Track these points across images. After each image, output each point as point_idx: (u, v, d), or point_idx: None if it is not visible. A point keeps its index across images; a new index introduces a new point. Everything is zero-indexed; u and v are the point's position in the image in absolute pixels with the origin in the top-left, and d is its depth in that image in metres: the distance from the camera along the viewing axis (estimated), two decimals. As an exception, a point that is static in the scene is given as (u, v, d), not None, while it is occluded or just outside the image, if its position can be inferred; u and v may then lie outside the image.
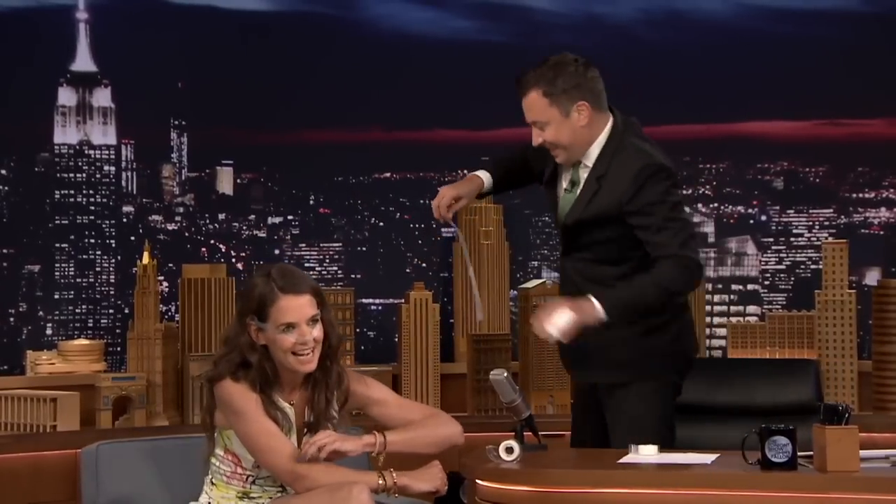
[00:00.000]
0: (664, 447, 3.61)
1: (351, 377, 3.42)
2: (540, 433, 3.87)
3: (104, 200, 5.96)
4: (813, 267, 6.13)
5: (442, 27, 6.20)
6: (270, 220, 6.18)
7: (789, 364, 4.80)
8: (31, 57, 5.75)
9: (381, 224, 6.23)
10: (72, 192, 5.92)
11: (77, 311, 5.89)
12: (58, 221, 5.90)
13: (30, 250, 5.85)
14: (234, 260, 6.09)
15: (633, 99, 6.17)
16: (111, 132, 5.98)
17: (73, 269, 5.90)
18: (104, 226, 5.96)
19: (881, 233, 6.17)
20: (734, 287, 6.26)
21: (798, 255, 6.22)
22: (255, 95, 5.93)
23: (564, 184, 3.90)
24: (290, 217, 6.19)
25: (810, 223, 6.21)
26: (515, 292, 6.10)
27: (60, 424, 5.31)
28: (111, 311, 5.92)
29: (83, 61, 5.92)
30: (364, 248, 6.15)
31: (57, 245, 5.89)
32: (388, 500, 3.31)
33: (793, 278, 6.22)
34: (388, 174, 6.23)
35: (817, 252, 6.04)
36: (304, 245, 6.15)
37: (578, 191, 3.84)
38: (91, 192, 5.94)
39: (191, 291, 5.59)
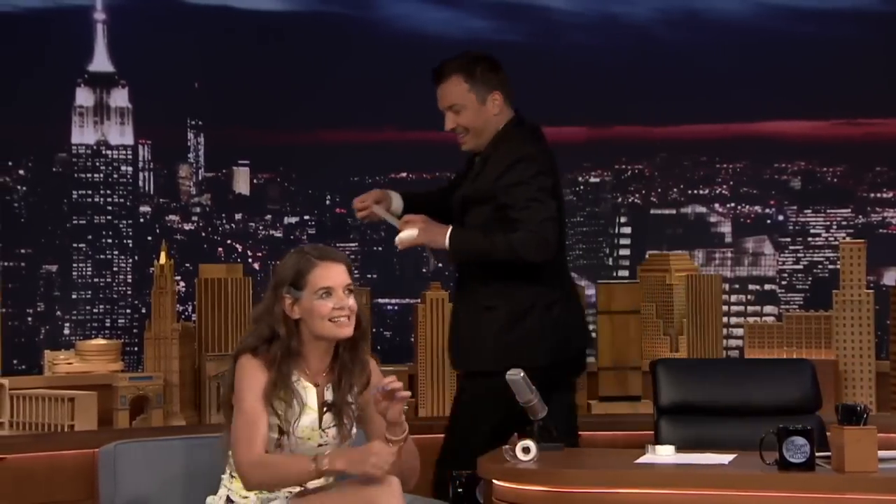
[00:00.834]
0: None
1: (374, 369, 3.45)
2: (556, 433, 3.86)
3: (121, 200, 5.98)
4: (830, 267, 6.11)
5: (458, 27, 6.20)
6: (287, 219, 6.19)
7: (786, 364, 4.80)
8: (49, 57, 5.78)
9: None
10: (89, 192, 5.94)
11: (94, 310, 5.91)
12: (75, 221, 5.92)
13: (47, 250, 5.88)
14: (250, 260, 6.10)
15: (649, 98, 6.20)
16: (128, 132, 6.00)
17: (90, 268, 5.92)
18: (121, 226, 5.98)
19: (899, 233, 6.16)
20: (751, 287, 6.25)
21: (815, 254, 6.21)
22: (271, 95, 5.94)
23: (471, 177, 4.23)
24: (306, 217, 6.20)
25: (828, 223, 6.20)
26: (532, 292, 6.09)
27: (78, 424, 5.32)
28: (128, 310, 5.94)
29: (100, 62, 5.94)
30: (380, 248, 6.16)
31: (74, 245, 5.91)
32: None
33: (810, 278, 6.20)
34: (403, 174, 6.23)
35: (835, 252, 6.03)
36: (320, 245, 6.16)
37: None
38: (108, 192, 5.96)
39: (207, 291, 5.59)
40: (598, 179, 6.31)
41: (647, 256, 6.16)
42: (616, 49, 6.21)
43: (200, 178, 6.09)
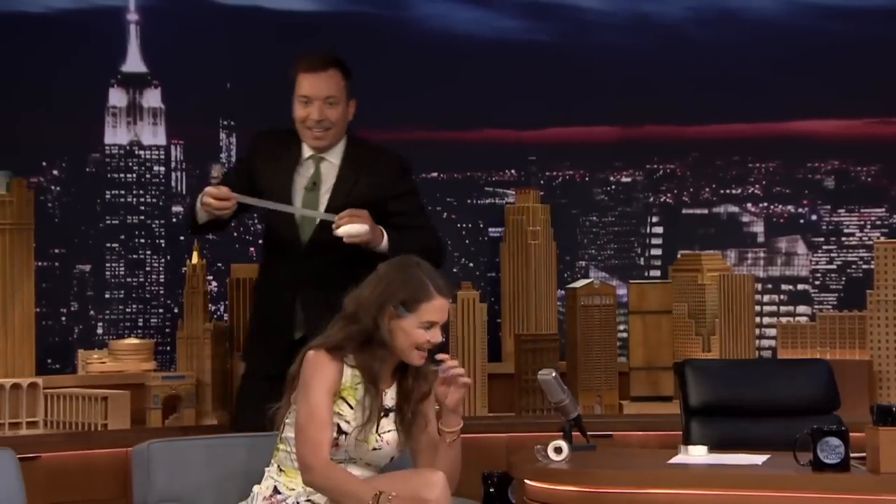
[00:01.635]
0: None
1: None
2: (588, 433, 3.86)
3: (154, 200, 6.01)
4: (864, 267, 6.07)
5: (489, 27, 6.20)
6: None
7: (803, 364, 4.80)
8: (82, 58, 5.81)
9: (429, 224, 6.23)
10: (122, 192, 5.97)
11: (127, 310, 5.94)
12: (108, 221, 5.95)
13: (81, 250, 5.91)
14: (282, 259, 6.11)
15: (681, 98, 6.18)
16: (161, 133, 6.02)
17: (123, 268, 5.95)
18: (154, 226, 6.00)
19: (934, 232, 6.12)
20: (784, 287, 6.22)
21: (849, 254, 6.17)
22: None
23: (301, 186, 4.16)
24: (337, 216, 6.20)
25: (861, 223, 6.16)
26: (562, 292, 6.09)
27: (111, 423, 5.35)
28: (161, 310, 5.96)
29: (133, 62, 5.97)
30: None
31: (107, 245, 5.94)
32: None
33: (844, 278, 6.17)
34: (434, 174, 6.24)
35: (869, 252, 5.99)
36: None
37: (329, 185, 4.13)
38: (141, 192, 5.99)
39: (239, 291, 5.61)
40: (629, 179, 6.30)
41: (678, 256, 6.15)
42: (647, 48, 6.19)
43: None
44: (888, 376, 5.60)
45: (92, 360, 5.70)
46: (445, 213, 6.25)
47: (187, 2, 6.00)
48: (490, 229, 6.24)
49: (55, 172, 5.90)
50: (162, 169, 6.02)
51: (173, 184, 6.04)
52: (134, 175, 5.99)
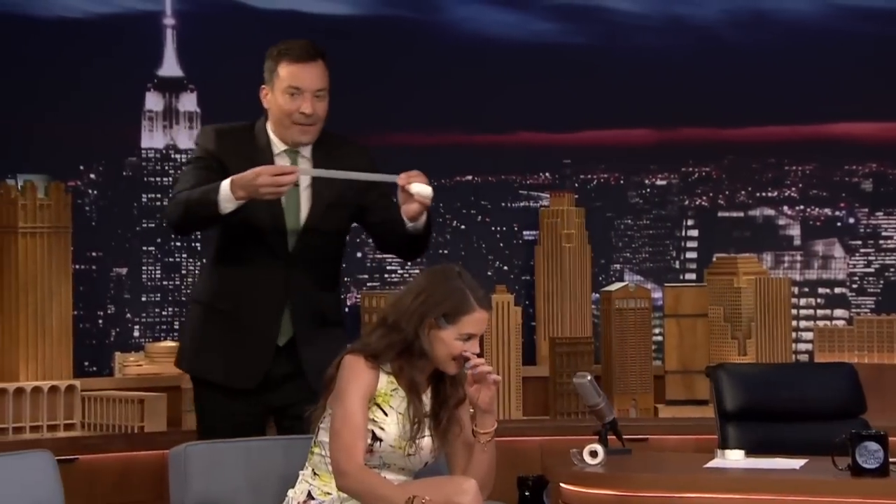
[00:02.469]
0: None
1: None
2: (623, 437, 3.85)
3: (190, 204, 6.02)
4: (902, 270, 6.04)
5: (522, 30, 6.19)
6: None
7: (827, 368, 4.78)
8: (119, 63, 5.84)
9: (463, 227, 6.23)
10: (158, 195, 6.00)
11: (163, 313, 5.97)
12: (145, 225, 5.98)
13: (117, 253, 5.94)
14: (316, 263, 6.12)
15: (716, 100, 6.15)
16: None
17: (159, 271, 5.98)
18: (190, 229, 6.02)
19: (972, 235, 6.07)
20: (821, 290, 6.18)
21: (887, 258, 6.13)
22: (337, 99, 5.94)
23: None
24: (372, 220, 6.21)
25: (900, 225, 6.13)
26: (597, 295, 6.08)
27: (148, 425, 5.38)
28: (197, 313, 5.98)
29: (169, 66, 6.00)
30: (445, 251, 6.16)
31: (144, 248, 5.97)
32: None
33: (882, 281, 6.12)
34: (469, 177, 6.24)
35: (907, 254, 5.95)
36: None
37: (307, 181, 3.82)
38: (177, 195, 6.01)
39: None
40: (664, 182, 6.28)
41: (714, 259, 6.12)
42: (682, 51, 6.17)
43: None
44: (927, 380, 5.56)
45: (128, 363, 5.73)
46: (480, 217, 6.25)
47: (223, 6, 6.03)
48: (524, 232, 6.23)
49: (92, 176, 5.94)
50: (198, 172, 6.04)
51: (209, 187, 6.05)
52: (170, 179, 6.01)
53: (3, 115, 5.70)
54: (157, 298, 5.97)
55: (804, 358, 6.04)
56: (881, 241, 6.14)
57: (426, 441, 3.39)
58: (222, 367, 3.84)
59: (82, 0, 5.87)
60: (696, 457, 3.71)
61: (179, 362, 4.08)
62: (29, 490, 3.27)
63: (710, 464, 3.50)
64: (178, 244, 6.01)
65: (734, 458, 3.57)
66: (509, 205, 6.27)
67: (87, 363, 5.80)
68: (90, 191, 5.93)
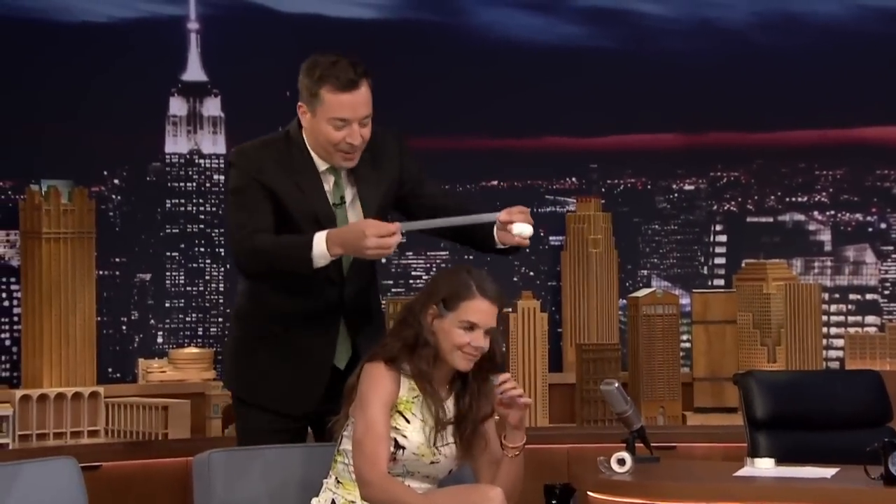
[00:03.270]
0: None
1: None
2: (651, 444, 3.84)
3: (213, 209, 6.05)
4: (935, 276, 6.01)
5: (550, 34, 6.19)
6: (377, 228, 6.20)
7: (853, 375, 4.75)
8: (143, 67, 5.87)
9: (489, 232, 6.22)
10: (182, 201, 6.02)
11: (187, 319, 5.99)
12: (168, 230, 6.00)
13: (141, 259, 5.96)
14: (341, 268, 6.13)
15: (745, 104, 6.13)
16: (220, 141, 6.07)
17: (183, 277, 6.00)
18: (213, 234, 6.05)
19: None
20: (852, 297, 6.15)
21: (920, 263, 6.11)
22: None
23: (331, 200, 3.64)
24: (396, 225, 6.21)
25: (932, 231, 6.10)
26: (624, 301, 6.06)
27: (171, 432, 5.40)
28: (220, 319, 6.00)
29: (193, 71, 6.02)
30: (471, 257, 6.15)
31: (167, 254, 5.99)
32: None
33: (914, 288, 6.10)
34: (494, 182, 6.23)
35: (939, 261, 5.92)
36: (410, 253, 6.18)
37: (353, 194, 3.64)
38: (201, 200, 6.04)
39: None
40: (692, 187, 6.26)
41: (743, 265, 6.10)
42: (711, 54, 6.16)
43: (252, 142, 6.12)
44: (960, 388, 5.52)
45: (152, 369, 5.75)
46: (506, 222, 6.24)
47: (247, 10, 6.05)
48: (551, 238, 6.23)
49: (116, 181, 5.96)
50: (222, 178, 6.06)
51: (233, 193, 6.06)
52: (194, 184, 6.04)
53: (27, 121, 5.73)
54: (181, 304, 5.99)
55: (835, 365, 6.01)
56: (914, 247, 6.11)
57: (449, 448, 3.39)
58: (279, 394, 3.70)
59: (105, 5, 5.90)
60: (725, 465, 3.69)
61: (228, 384, 3.93)
62: (53, 497, 3.29)
63: (740, 472, 3.49)
64: (202, 250, 6.03)
65: (764, 466, 3.55)
66: (535, 210, 6.24)
67: (110, 369, 5.83)
68: (114, 196, 5.95)
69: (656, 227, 6.27)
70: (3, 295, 5.70)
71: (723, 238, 6.26)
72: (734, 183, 6.26)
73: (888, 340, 5.75)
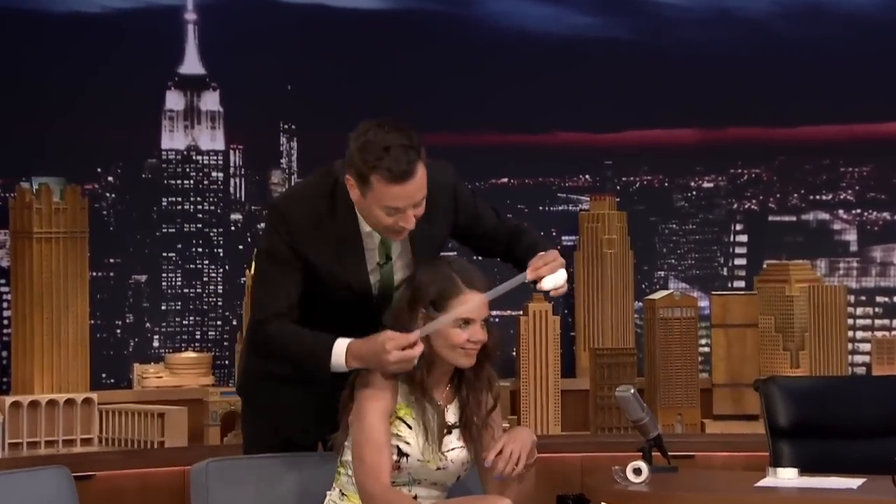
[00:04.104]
0: None
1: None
2: (669, 454, 3.84)
3: (212, 208, 6.06)
4: (966, 277, 6.01)
5: (561, 24, 6.19)
6: (383, 227, 6.21)
7: (882, 381, 4.75)
8: (138, 60, 5.87)
9: (498, 232, 6.23)
10: (179, 199, 6.02)
11: (184, 322, 5.99)
12: (165, 230, 6.01)
13: (136, 260, 5.97)
14: (345, 269, 6.13)
15: (767, 98, 6.12)
16: (219, 137, 6.07)
17: (180, 279, 6.00)
18: (212, 234, 6.05)
19: None
20: (879, 299, 6.15)
21: (950, 264, 6.10)
22: (367, 98, 5.97)
23: (372, 264, 3.51)
24: (403, 224, 6.21)
25: (963, 230, 6.10)
26: (640, 304, 6.06)
27: (168, 440, 5.40)
28: (219, 322, 6.01)
29: (191, 64, 6.03)
30: (480, 257, 6.16)
31: (164, 254, 6.00)
32: None
33: (944, 289, 6.10)
34: (504, 179, 6.24)
35: (970, 261, 5.92)
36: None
37: (399, 251, 3.51)
38: (198, 199, 6.04)
39: (301, 302, 5.64)
40: (711, 185, 6.26)
41: (764, 266, 6.10)
42: (730, 45, 6.15)
43: (293, 184, 6.14)
44: None
45: (148, 375, 5.75)
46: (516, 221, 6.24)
47: (247, 0, 6.05)
48: (563, 238, 6.22)
49: (110, 179, 5.97)
50: (220, 175, 6.07)
51: (232, 190, 6.08)
52: (191, 181, 6.04)
53: (17, 116, 5.74)
54: (178, 307, 5.99)
55: (861, 371, 6.01)
56: (944, 247, 6.10)
57: (455, 453, 3.39)
58: (301, 425, 3.64)
59: (100, -6, 5.91)
60: (746, 475, 3.68)
61: (240, 391, 3.82)
62: (44, 508, 3.29)
63: (761, 483, 3.48)
64: (200, 250, 6.03)
65: (787, 476, 3.55)
66: (547, 208, 6.26)
67: (104, 375, 5.83)
68: (108, 194, 5.96)
69: (674, 226, 6.26)
70: (-7, 297, 5.71)
71: (743, 238, 6.25)
72: (755, 180, 6.25)
73: (917, 345, 5.75)
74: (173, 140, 6.04)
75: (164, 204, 6.02)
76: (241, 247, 6.00)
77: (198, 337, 5.97)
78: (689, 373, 5.81)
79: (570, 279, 6.05)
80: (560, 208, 6.27)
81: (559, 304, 6.08)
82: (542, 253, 3.48)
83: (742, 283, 6.21)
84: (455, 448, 3.39)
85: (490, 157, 6.15)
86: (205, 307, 6.01)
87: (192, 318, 6.00)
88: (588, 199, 6.20)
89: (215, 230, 6.05)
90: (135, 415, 5.47)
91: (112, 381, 5.86)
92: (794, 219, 6.23)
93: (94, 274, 5.75)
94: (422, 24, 6.11)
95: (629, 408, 3.80)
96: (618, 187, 6.26)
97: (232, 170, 6.09)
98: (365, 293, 3.52)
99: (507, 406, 5.75)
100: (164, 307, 5.98)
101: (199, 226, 6.04)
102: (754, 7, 6.18)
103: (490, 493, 3.35)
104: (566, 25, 6.19)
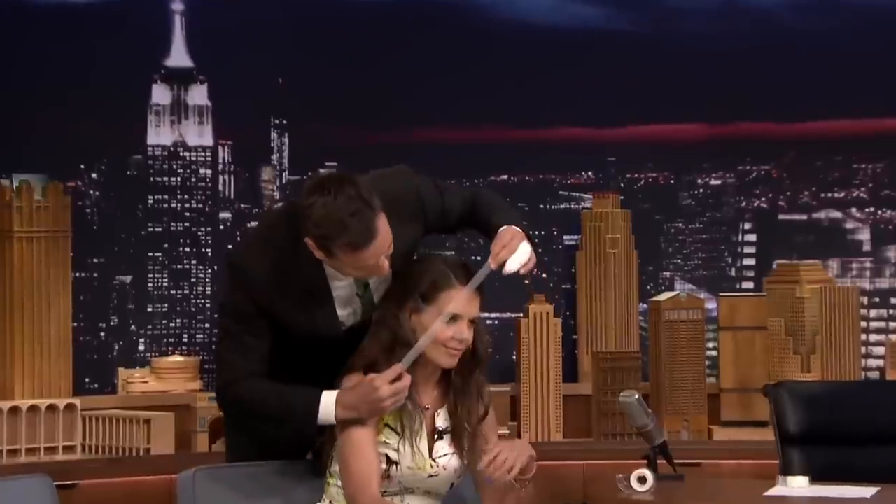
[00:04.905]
0: None
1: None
2: (675, 461, 3.85)
3: (200, 206, 6.06)
4: (983, 278, 6.01)
5: (563, 14, 6.19)
6: (378, 226, 6.21)
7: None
8: (123, 52, 5.87)
9: (498, 231, 6.23)
10: (165, 196, 6.03)
11: (171, 325, 5.99)
12: (151, 229, 6.01)
13: (121, 260, 5.97)
14: (338, 270, 6.14)
15: (776, 93, 6.13)
16: (207, 132, 6.07)
17: (166, 279, 6.00)
18: (200, 233, 6.05)
19: None
20: (893, 301, 6.16)
21: (967, 264, 6.12)
22: (361, 92, 5.98)
23: (346, 305, 3.44)
24: (398, 223, 6.22)
25: (980, 228, 6.11)
26: (645, 306, 6.06)
27: (154, 447, 5.40)
28: (207, 325, 6.01)
29: (178, 56, 6.03)
30: (479, 257, 6.14)
31: (150, 254, 6.00)
32: None
33: (961, 291, 6.10)
34: (505, 176, 6.24)
35: None
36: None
37: (376, 285, 3.45)
38: (186, 196, 6.05)
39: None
40: (719, 182, 6.26)
41: (774, 267, 6.10)
42: (739, 37, 6.16)
43: (285, 181, 6.14)
44: None
45: (133, 380, 5.75)
46: (516, 220, 6.25)
47: (236, -10, 6.06)
48: (565, 237, 6.23)
49: (94, 176, 5.97)
50: (209, 172, 6.07)
51: (221, 188, 6.08)
52: (178, 178, 6.04)
53: (-4, 110, 5.74)
54: (165, 309, 6.00)
55: (874, 375, 6.01)
56: (960, 247, 6.11)
57: (447, 459, 3.38)
58: (284, 448, 3.59)
59: (83, -16, 5.91)
60: (755, 484, 3.68)
61: (228, 423, 3.73)
62: (25, 518, 3.29)
63: (771, 491, 3.48)
64: (187, 250, 6.04)
65: (797, 485, 3.55)
66: (548, 206, 6.27)
67: (87, 379, 5.84)
68: (91, 192, 5.96)
69: (680, 225, 6.27)
70: (-28, 299, 5.71)
71: (752, 237, 6.26)
72: (764, 177, 6.26)
73: (933, 348, 5.76)
74: (159, 135, 6.05)
75: (150, 202, 6.02)
76: (230, 246, 6.00)
77: (185, 340, 5.98)
78: (695, 377, 5.82)
79: (572, 281, 6.15)
80: (562, 206, 6.27)
81: (561, 306, 6.09)
82: (497, 235, 3.39)
83: (751, 284, 6.22)
84: (447, 454, 3.38)
85: (489, 154, 6.15)
86: (192, 309, 6.01)
87: (179, 320, 6.00)
88: (591, 196, 6.21)
89: (203, 229, 6.05)
90: (119, 421, 5.47)
91: (96, 385, 5.86)
92: (804, 217, 6.24)
93: (77, 274, 5.75)
94: (418, 15, 6.11)
95: (633, 413, 3.81)
96: (622, 185, 6.26)
97: (221, 166, 6.09)
98: (334, 336, 3.45)
99: (507, 412, 5.76)
100: (150, 309, 5.98)
101: (187, 224, 6.04)
102: (764, -2, 6.19)
103: None
104: (568, 16, 6.19)
